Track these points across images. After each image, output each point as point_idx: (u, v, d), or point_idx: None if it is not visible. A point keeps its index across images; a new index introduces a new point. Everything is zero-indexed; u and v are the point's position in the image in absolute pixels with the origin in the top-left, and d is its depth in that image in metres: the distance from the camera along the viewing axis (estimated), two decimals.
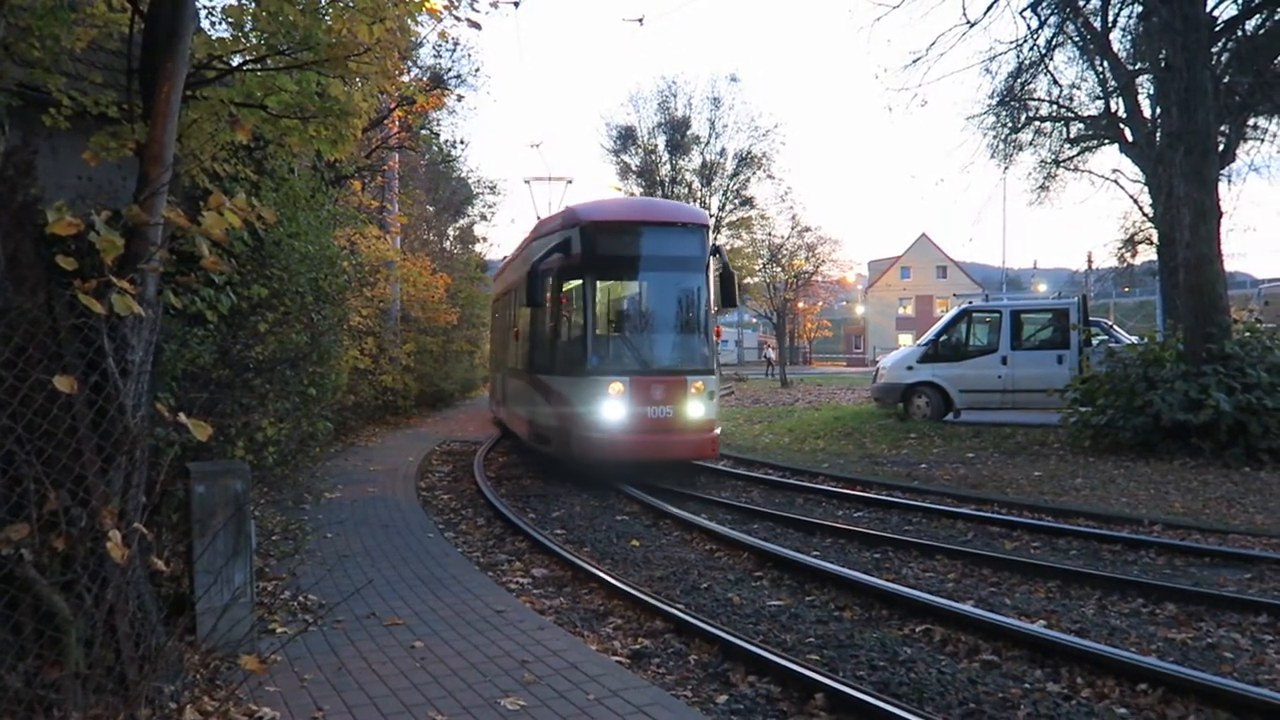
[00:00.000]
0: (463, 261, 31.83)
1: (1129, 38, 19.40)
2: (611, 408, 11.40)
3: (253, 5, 5.62)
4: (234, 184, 7.10)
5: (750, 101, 67.34)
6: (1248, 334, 13.57)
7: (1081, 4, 18.19)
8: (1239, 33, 15.29)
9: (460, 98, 23.84)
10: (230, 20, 5.62)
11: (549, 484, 12.32)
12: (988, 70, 23.82)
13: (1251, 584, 6.87)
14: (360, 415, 16.92)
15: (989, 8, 16.15)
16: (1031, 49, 17.43)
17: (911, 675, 5.02)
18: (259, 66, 5.71)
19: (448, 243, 34.54)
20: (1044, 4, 16.82)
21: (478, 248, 36.49)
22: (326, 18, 5.53)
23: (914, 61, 16.55)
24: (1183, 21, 13.41)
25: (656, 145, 42.37)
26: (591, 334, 11.80)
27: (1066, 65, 20.11)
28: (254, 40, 5.69)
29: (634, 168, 42.58)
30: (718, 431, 12.33)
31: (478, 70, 29.93)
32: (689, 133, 41.65)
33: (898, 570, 7.41)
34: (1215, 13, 14.55)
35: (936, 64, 16.63)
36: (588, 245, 11.94)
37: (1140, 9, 18.09)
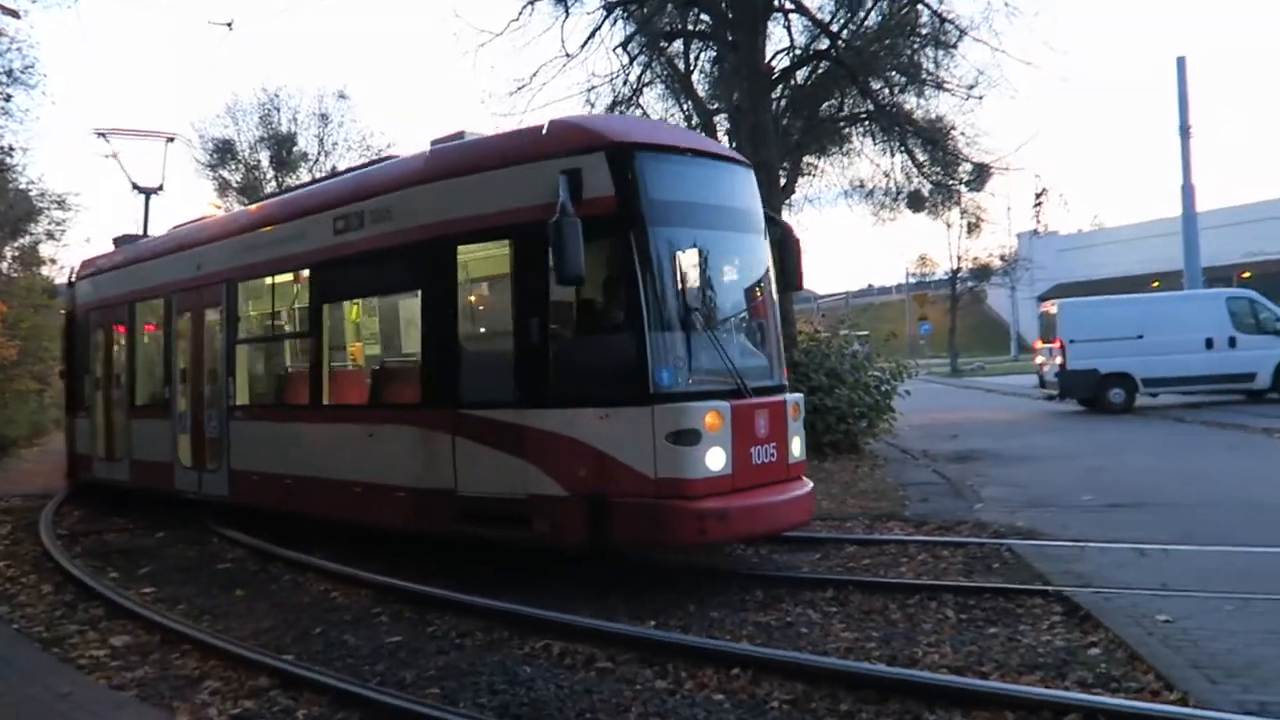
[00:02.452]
0: (24, 286, 27.30)
1: (707, 80, 21.56)
2: (701, 455, 6.75)
3: None
4: None
5: (361, 120, 65.39)
6: (811, 344, 15.63)
7: (665, 46, 19.86)
8: (792, 81, 17.60)
9: (9, 97, 20.39)
10: None
11: (137, 536, 10.92)
12: (589, 101, 25.27)
13: (820, 564, 7.84)
14: None
15: (585, 42, 17.07)
16: (625, 84, 18.68)
17: (531, 694, 5.05)
18: None
19: (4, 264, 29.48)
20: (633, 43, 18.14)
21: (45, 270, 31.53)
22: None
23: (518, 89, 17.02)
24: (747, 68, 15.19)
25: (260, 161, 39.64)
26: (650, 330, 6.89)
27: (658, 101, 21.79)
28: None
29: (235, 184, 39.46)
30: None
31: (29, 67, 25.71)
32: (295, 149, 39.47)
33: (520, 590, 7.47)
34: (773, 63, 16.65)
35: (540, 92, 17.51)
36: (630, 183, 7.02)
37: (714, 55, 20.23)
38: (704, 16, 19.42)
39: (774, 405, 7.45)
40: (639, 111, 20.17)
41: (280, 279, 10.64)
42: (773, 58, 18.21)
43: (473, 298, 8.59)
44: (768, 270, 8.27)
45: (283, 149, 39.46)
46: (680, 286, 7.23)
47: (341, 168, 38.77)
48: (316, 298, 9.76)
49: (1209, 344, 20.08)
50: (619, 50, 18.11)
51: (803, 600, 6.65)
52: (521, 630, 6.22)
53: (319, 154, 39.97)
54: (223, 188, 39.48)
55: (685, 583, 7.23)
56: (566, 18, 17.83)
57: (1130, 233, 56.38)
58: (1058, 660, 5.13)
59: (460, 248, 7.97)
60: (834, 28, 18.80)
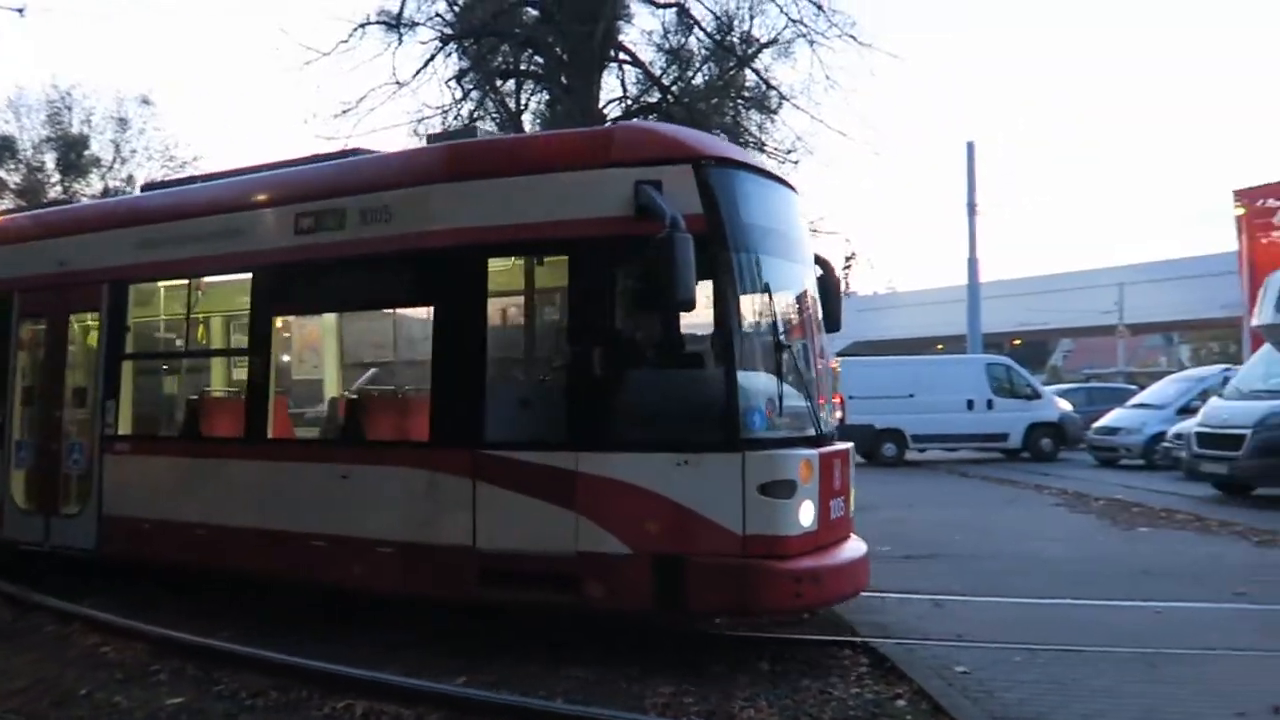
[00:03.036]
0: None
1: (539, 121, 21.61)
2: (795, 509, 6.05)
3: None
4: None
5: (165, 129, 61.38)
6: None
7: (499, 84, 19.80)
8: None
9: None
10: None
11: None
12: (416, 132, 24.78)
13: None
14: None
15: (417, 72, 16.76)
16: (456, 117, 18.43)
17: None
18: None
19: None
20: (467, 78, 17.97)
21: None
22: None
23: (344, 112, 16.46)
24: (581, 113, 15.33)
25: (44, 162, 36.37)
26: (740, 367, 6.19)
27: None
28: None
29: (13, 185, 35.95)
30: None
31: None
32: (88, 153, 36.49)
33: (320, 642, 6.96)
34: (606, 110, 16.91)
35: (367, 117, 17.01)
36: (720, 202, 6.31)
37: (547, 97, 20.34)
38: (538, 59, 19.53)
39: (843, 453, 6.97)
40: None
41: (201, 283, 8.79)
42: (606, 105, 18.49)
43: (506, 319, 7.37)
44: (816, 304, 7.55)
45: (72, 151, 36.42)
46: (769, 320, 6.53)
47: (140, 178, 36.27)
48: (262, 308, 7.94)
49: (970, 405, 22.02)
50: (452, 83, 17.88)
51: (621, 655, 6.53)
52: (321, 688, 5.76)
53: (114, 160, 37.22)
54: None
55: (500, 633, 6.96)
56: (399, 45, 17.50)
57: (921, 298, 60.68)
58: (868, 714, 5.26)
59: (492, 260, 6.86)
60: (665, 81, 19.32)
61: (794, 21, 18.48)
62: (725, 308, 6.18)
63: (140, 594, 8.08)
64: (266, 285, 7.94)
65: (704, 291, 6.11)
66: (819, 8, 18.20)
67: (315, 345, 9.10)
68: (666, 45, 20.62)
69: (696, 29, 19.84)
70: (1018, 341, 46.75)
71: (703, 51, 20.50)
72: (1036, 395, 22.92)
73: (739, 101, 20.07)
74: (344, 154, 8.71)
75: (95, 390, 8.82)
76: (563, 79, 18.36)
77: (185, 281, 8.72)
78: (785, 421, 6.42)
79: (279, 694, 5.76)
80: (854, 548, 6.79)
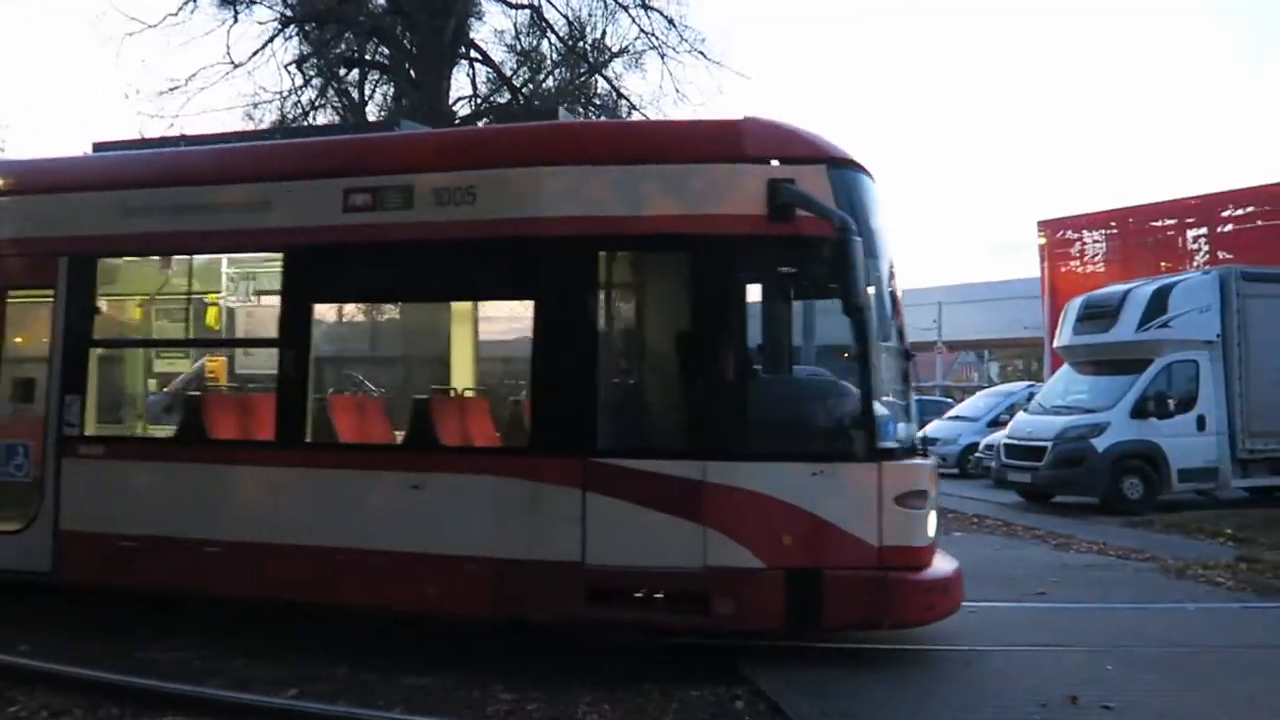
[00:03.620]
0: None
1: (382, 113, 20.99)
2: (925, 519, 6.14)
3: None
4: None
5: None
6: None
7: (342, 72, 19.11)
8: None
9: None
10: None
11: None
12: (250, 116, 23.59)
13: None
14: None
15: (254, 53, 15.96)
16: (295, 104, 17.67)
17: None
18: None
19: None
20: (308, 64, 17.26)
21: None
22: None
23: (171, 90, 15.49)
24: (429, 109, 14.99)
25: None
26: (875, 375, 6.06)
27: None
28: None
29: None
30: None
31: None
32: None
33: (132, 655, 6.48)
34: (455, 107, 16.61)
35: (198, 97, 15.99)
36: (853, 205, 6.17)
37: (393, 90, 19.80)
38: (385, 49, 19.00)
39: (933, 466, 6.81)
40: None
41: (204, 260, 7.86)
42: (455, 102, 18.19)
43: (619, 317, 6.77)
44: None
45: None
46: (895, 326, 6.48)
47: None
48: (298, 294, 6.97)
49: None
50: (291, 68, 17.14)
51: (464, 663, 6.37)
52: (136, 705, 5.37)
53: None
54: None
55: (336, 644, 6.68)
56: (234, 23, 16.63)
57: None
58: (710, 715, 5.35)
59: (603, 253, 6.43)
60: (516, 83, 19.21)
61: (645, 33, 18.82)
62: (861, 315, 6.00)
63: None
64: (301, 267, 6.99)
65: (843, 297, 5.95)
66: (670, 22, 18.58)
67: (367, 339, 8.15)
68: (519, 46, 20.56)
69: (549, 32, 19.85)
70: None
71: (555, 55, 20.53)
72: None
73: (590, 108, 20.16)
74: (378, 124, 7.82)
75: (48, 382, 7.41)
76: (411, 72, 17.90)
77: (181, 259, 7.81)
78: (910, 436, 6.36)
79: (84, 712, 5.33)
80: (949, 557, 6.71)
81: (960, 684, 5.90)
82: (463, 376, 7.77)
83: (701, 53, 18.57)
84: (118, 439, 7.90)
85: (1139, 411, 14.40)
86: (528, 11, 19.83)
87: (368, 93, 20.35)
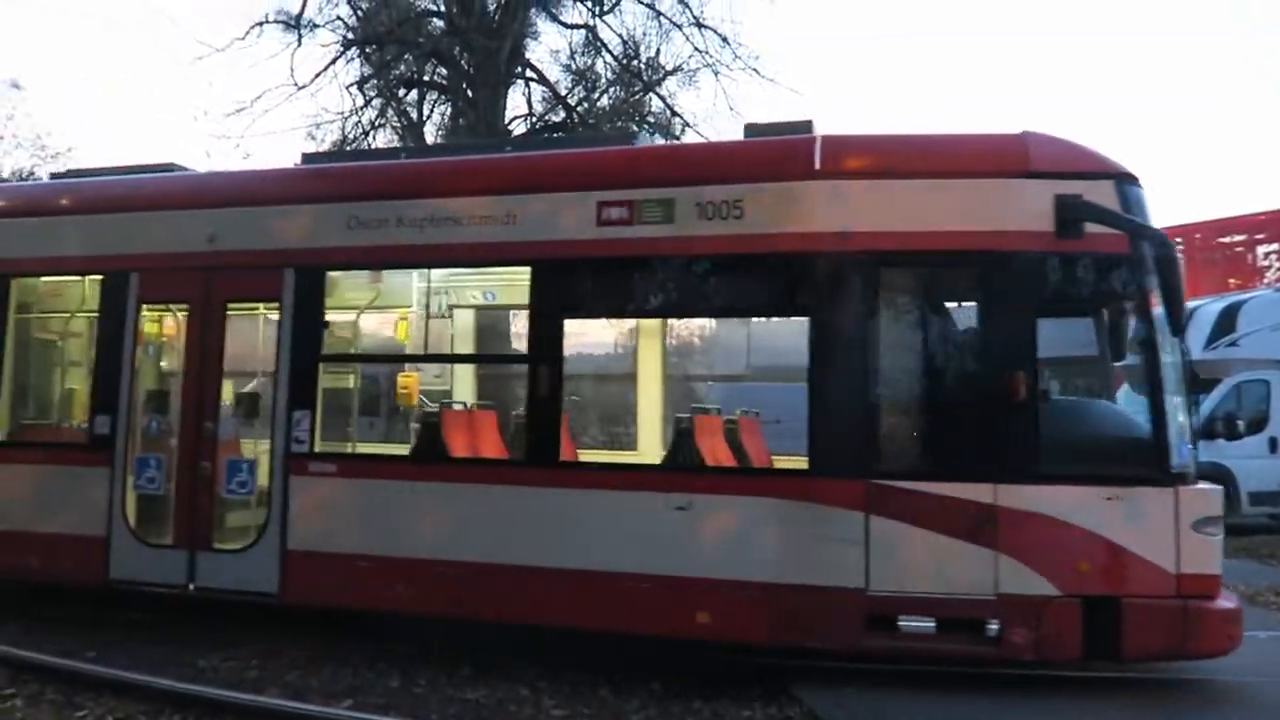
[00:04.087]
0: None
1: (440, 133, 21.35)
2: (1219, 545, 5.89)
3: None
4: None
5: (36, 115, 58.64)
6: None
7: (401, 93, 19.49)
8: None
9: None
10: None
11: None
12: (313, 136, 24.19)
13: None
14: None
15: (317, 75, 16.36)
16: (356, 124, 18.07)
17: None
18: None
19: None
20: (368, 85, 17.64)
21: None
22: None
23: (238, 111, 15.94)
24: (486, 127, 15.21)
25: None
26: (1167, 396, 5.90)
27: (386, 146, 21.21)
28: None
29: None
30: None
31: None
32: None
33: (193, 664, 6.62)
34: (511, 126, 16.84)
35: (262, 119, 16.51)
36: (1141, 223, 6.04)
37: (450, 109, 20.14)
38: (443, 70, 19.34)
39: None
40: None
41: (441, 274, 7.87)
42: (510, 121, 18.44)
43: (901, 334, 6.44)
44: None
45: None
46: (1178, 343, 6.18)
47: (7, 166, 34.15)
48: (547, 309, 6.82)
49: None
50: (353, 89, 17.54)
51: (513, 676, 6.43)
52: (196, 711, 5.51)
53: None
54: None
55: (390, 655, 6.75)
56: (299, 46, 17.08)
57: None
58: None
59: (883, 269, 6.24)
60: (571, 101, 19.40)
61: (699, 51, 18.85)
62: (1150, 336, 5.89)
63: None
64: (554, 282, 6.82)
65: (1134, 317, 6.03)
66: (724, 39, 18.61)
67: (619, 355, 7.90)
68: (573, 66, 20.75)
69: (604, 51, 20.03)
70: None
71: (609, 74, 20.70)
72: None
73: (644, 126, 20.26)
74: (615, 136, 7.60)
75: (276, 397, 7.21)
76: (468, 92, 18.18)
77: (411, 272, 7.87)
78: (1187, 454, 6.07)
79: (147, 719, 5.46)
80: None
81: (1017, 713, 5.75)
82: (726, 394, 7.58)
83: (755, 70, 18.57)
84: (351, 456, 7.80)
85: (1206, 433, 13.96)
86: (583, 31, 20.05)
87: (426, 112, 20.72)
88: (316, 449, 7.14)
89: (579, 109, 19.78)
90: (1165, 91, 66.31)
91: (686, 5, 18.82)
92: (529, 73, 19.78)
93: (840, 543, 5.91)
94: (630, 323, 8.07)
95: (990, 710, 5.62)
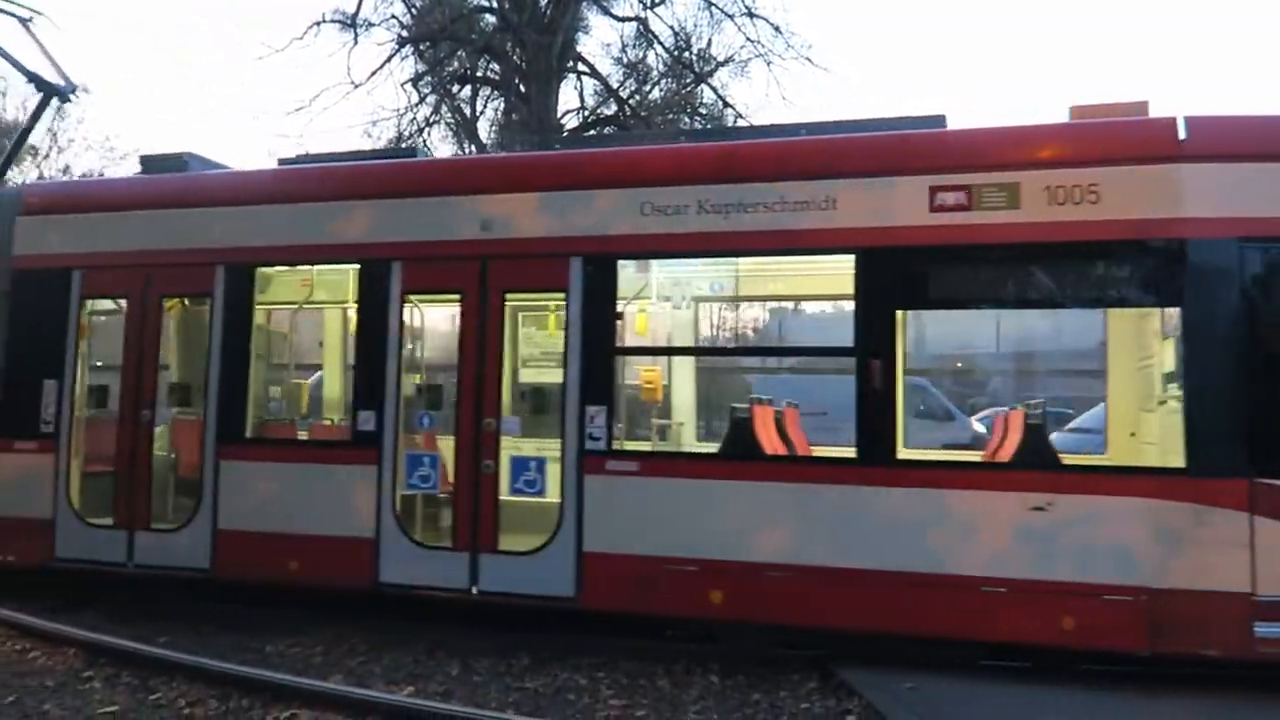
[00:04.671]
0: None
1: (494, 128, 21.53)
2: None
3: None
4: None
5: (104, 118, 60.90)
6: None
7: (455, 89, 19.69)
8: (582, 137, 17.98)
9: None
10: None
11: None
12: (369, 134, 24.60)
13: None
14: None
15: (373, 73, 16.61)
16: (411, 121, 18.31)
17: None
18: None
19: None
20: (424, 82, 17.85)
21: None
22: None
23: (297, 110, 16.25)
24: (538, 121, 15.30)
25: None
26: None
27: (441, 142, 21.44)
28: None
29: None
30: None
31: None
32: (25, 145, 35.38)
33: (260, 650, 6.80)
34: (563, 120, 16.92)
35: (320, 117, 16.91)
36: None
37: (503, 104, 20.29)
38: (495, 66, 19.49)
39: None
40: (423, 151, 19.87)
41: (750, 263, 7.47)
42: (563, 115, 18.53)
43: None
44: None
45: (4, 138, 35.23)
46: None
47: (78, 167, 35.21)
48: (875, 299, 6.48)
49: None
50: (408, 86, 17.77)
51: (570, 665, 6.49)
52: (263, 697, 5.63)
53: (50, 149, 35.94)
54: None
55: (449, 643, 6.85)
56: (355, 45, 17.34)
57: None
58: None
59: (1261, 254, 5.89)
60: (623, 94, 19.43)
61: (751, 41, 18.72)
62: None
63: (62, 596, 7.78)
64: (882, 271, 6.45)
65: None
66: (776, 29, 18.46)
67: (954, 346, 7.48)
68: (625, 59, 20.75)
69: (655, 44, 19.99)
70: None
71: (661, 66, 20.66)
72: None
73: (696, 117, 20.21)
74: (925, 119, 7.11)
75: (563, 393, 6.89)
76: (520, 87, 18.31)
77: (718, 260, 7.38)
78: None
79: (218, 703, 5.61)
80: None
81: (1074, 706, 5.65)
82: (1086, 386, 7.18)
83: (809, 59, 18.40)
84: (657, 454, 7.42)
85: None
86: (634, 24, 20.05)
87: (479, 108, 20.90)
88: (613, 446, 6.75)
89: (630, 101, 19.79)
90: None
91: None
92: (580, 66, 19.87)
93: (1224, 545, 5.62)
94: (967, 314, 7.42)
95: (1045, 703, 5.54)
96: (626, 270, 7.16)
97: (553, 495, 6.90)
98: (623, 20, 20.19)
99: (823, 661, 6.34)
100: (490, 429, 6.96)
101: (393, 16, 19.13)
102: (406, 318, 7.42)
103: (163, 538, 7.58)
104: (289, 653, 6.73)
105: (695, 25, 20.01)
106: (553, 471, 6.94)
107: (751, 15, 18.61)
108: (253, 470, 7.47)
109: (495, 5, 19.15)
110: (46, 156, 36.07)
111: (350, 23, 18.28)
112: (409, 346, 7.61)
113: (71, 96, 9.30)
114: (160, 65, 54.34)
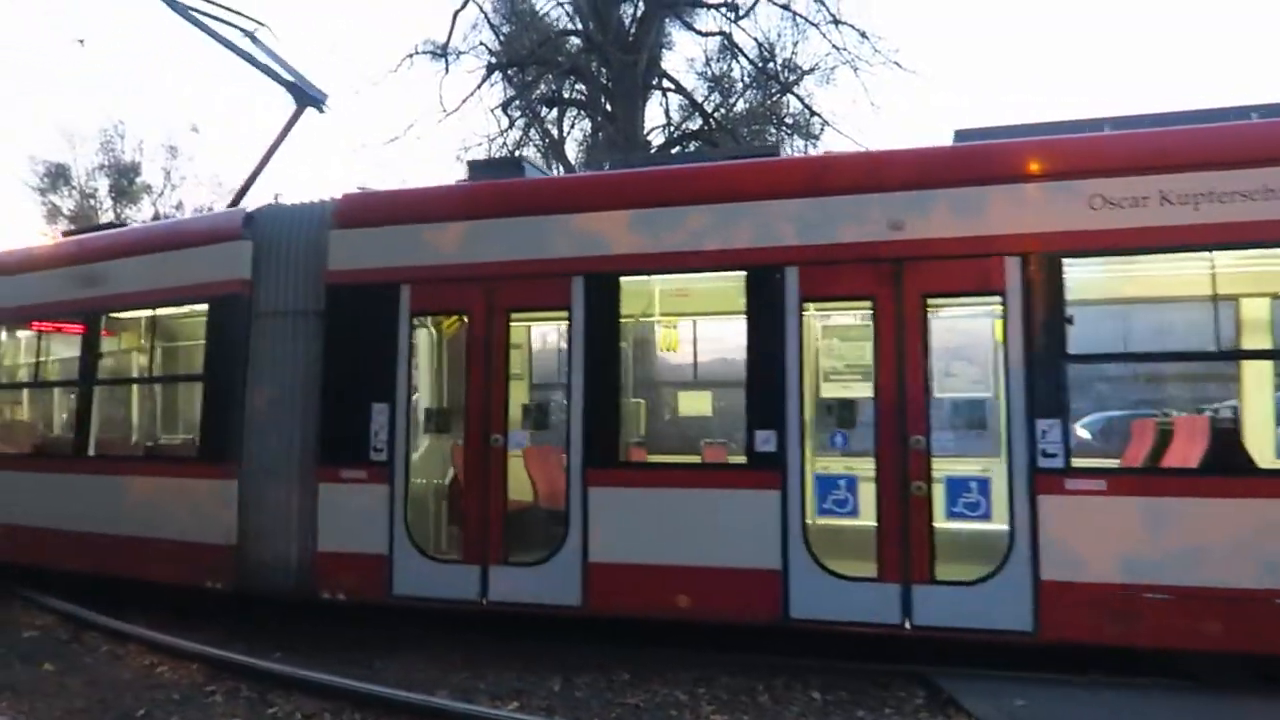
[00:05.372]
0: None
1: (581, 148, 21.84)
2: None
3: None
4: None
5: (213, 155, 64.23)
6: None
7: (543, 111, 20.07)
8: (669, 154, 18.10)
9: None
10: None
11: None
12: (459, 159, 25.27)
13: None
14: None
15: (464, 100, 17.08)
16: (502, 146, 18.72)
17: None
18: None
19: None
20: (512, 106, 18.26)
21: None
22: None
23: (392, 140, 16.77)
24: (625, 139, 15.45)
25: (97, 189, 37.42)
26: None
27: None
28: None
29: (66, 211, 37.04)
30: None
31: None
32: (139, 180, 37.53)
33: (370, 665, 6.99)
34: (650, 136, 17.06)
35: (414, 146, 17.55)
36: None
37: (590, 124, 20.57)
38: (581, 87, 19.78)
39: None
40: None
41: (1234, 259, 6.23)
42: (649, 132, 18.68)
43: None
44: None
45: (124, 178, 37.41)
46: None
47: (190, 203, 37.05)
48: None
49: None
50: (497, 111, 18.20)
51: (670, 680, 6.49)
52: (375, 711, 5.81)
53: (165, 186, 38.07)
54: (52, 214, 36.97)
55: (549, 658, 6.93)
56: (446, 74, 17.82)
57: None
58: None
59: None
60: (708, 108, 19.47)
61: (837, 49, 18.53)
62: None
63: (187, 612, 8.15)
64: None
65: None
66: (863, 35, 18.24)
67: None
68: (709, 72, 20.80)
69: (740, 56, 19.98)
70: None
71: (745, 78, 20.63)
72: None
73: (782, 128, 20.11)
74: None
75: (1008, 404, 6.23)
76: (606, 106, 18.54)
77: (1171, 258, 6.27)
78: None
79: (333, 717, 5.80)
80: None
81: None
82: None
83: (897, 63, 18.12)
84: (1135, 471, 6.76)
85: None
86: (718, 38, 20.09)
87: (565, 129, 21.25)
88: (1071, 464, 6.03)
89: (715, 115, 19.81)
90: None
91: (823, 3, 18.59)
92: (665, 83, 19.99)
93: None
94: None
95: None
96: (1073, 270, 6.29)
97: (997, 520, 6.23)
98: (706, 35, 20.29)
99: (925, 676, 6.20)
100: (919, 447, 6.36)
101: (481, 44, 19.65)
102: (809, 326, 6.93)
103: (522, 572, 7.06)
104: (394, 666, 6.90)
105: (779, 35, 19.96)
106: (1002, 494, 6.20)
107: (837, 23, 18.45)
108: (631, 498, 6.91)
109: (581, 27, 19.47)
110: (162, 194, 38.26)
111: (441, 52, 18.85)
112: (810, 359, 7.07)
113: (323, 107, 9.26)
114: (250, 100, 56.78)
